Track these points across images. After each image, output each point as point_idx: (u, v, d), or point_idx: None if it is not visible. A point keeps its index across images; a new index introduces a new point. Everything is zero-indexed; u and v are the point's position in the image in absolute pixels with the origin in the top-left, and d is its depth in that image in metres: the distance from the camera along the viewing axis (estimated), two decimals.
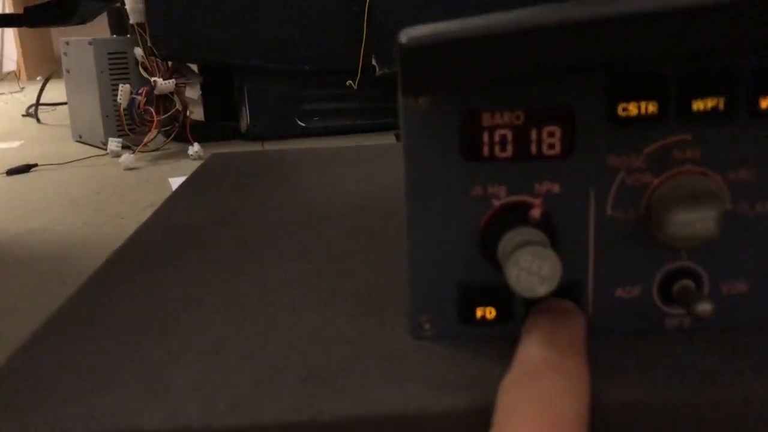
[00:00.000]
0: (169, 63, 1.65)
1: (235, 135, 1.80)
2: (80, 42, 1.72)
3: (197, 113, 1.81)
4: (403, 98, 0.28)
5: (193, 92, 1.68)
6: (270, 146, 1.65)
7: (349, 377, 0.28)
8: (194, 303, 0.36)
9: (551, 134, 0.28)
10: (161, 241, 0.47)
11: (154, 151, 1.68)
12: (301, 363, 0.29)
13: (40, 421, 0.26)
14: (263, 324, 0.33)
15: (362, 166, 0.68)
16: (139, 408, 0.27)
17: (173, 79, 1.61)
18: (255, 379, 0.28)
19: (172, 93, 1.62)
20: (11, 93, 3.26)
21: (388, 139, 1.65)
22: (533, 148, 0.28)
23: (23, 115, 2.46)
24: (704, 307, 0.27)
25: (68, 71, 1.81)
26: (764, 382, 0.27)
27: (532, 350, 0.26)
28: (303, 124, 1.75)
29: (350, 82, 1.68)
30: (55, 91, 2.31)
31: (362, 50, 1.64)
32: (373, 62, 1.64)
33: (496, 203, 0.29)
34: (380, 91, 1.67)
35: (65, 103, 1.94)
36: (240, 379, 0.29)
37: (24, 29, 4.06)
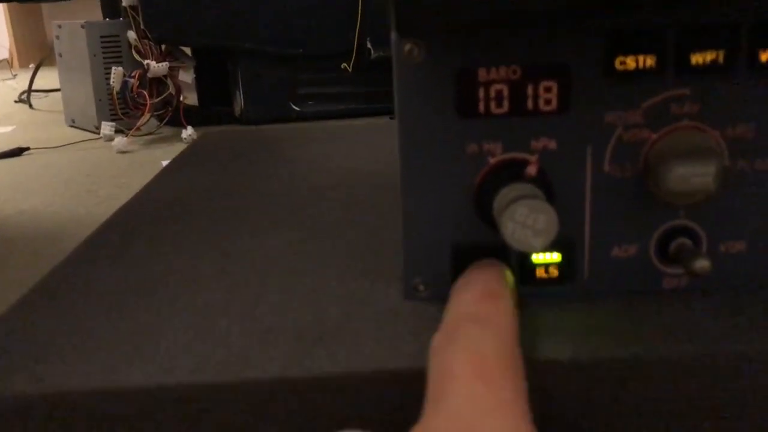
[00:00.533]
0: (163, 46, 1.63)
1: (229, 119, 1.79)
2: (72, 25, 1.70)
3: (191, 97, 1.79)
4: (397, 50, 0.27)
5: (186, 76, 1.67)
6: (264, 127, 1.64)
7: (342, 336, 0.28)
8: (185, 269, 0.36)
9: (548, 90, 0.28)
10: (152, 213, 0.46)
11: (147, 134, 1.66)
12: (293, 324, 0.29)
13: (27, 380, 0.26)
14: (255, 288, 0.33)
15: (354, 142, 0.67)
16: (128, 366, 0.26)
17: (166, 63, 1.60)
18: (246, 338, 0.28)
19: (165, 76, 1.61)
20: (4, 80, 3.23)
21: (385, 120, 1.64)
22: (529, 104, 0.28)
23: (15, 101, 2.44)
24: (702, 264, 0.27)
25: (60, 55, 1.80)
26: (761, 340, 0.26)
27: (452, 309, 0.26)
28: (297, 109, 1.73)
29: (345, 65, 1.67)
30: (48, 79, 2.29)
31: (357, 33, 1.63)
32: (368, 45, 1.63)
33: (492, 160, 0.29)
34: (376, 75, 1.66)
35: (58, 90, 1.93)
36: (231, 338, 0.28)
37: (15, 17, 4.03)
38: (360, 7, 1.61)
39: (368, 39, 1.62)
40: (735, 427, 0.26)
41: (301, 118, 1.73)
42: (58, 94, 1.98)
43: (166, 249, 0.39)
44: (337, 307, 0.30)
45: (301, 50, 1.68)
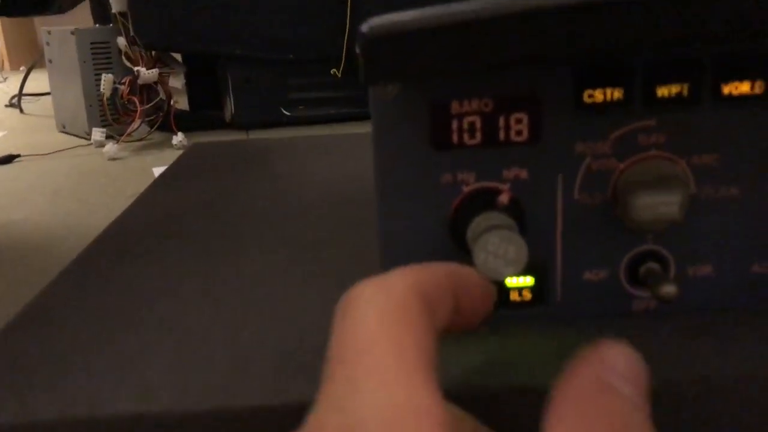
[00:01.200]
0: (153, 52, 1.64)
1: (220, 124, 1.79)
2: (62, 32, 1.71)
3: (182, 103, 1.80)
4: (371, 88, 0.28)
5: (177, 82, 1.68)
6: (255, 135, 1.65)
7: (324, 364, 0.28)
8: (171, 291, 0.36)
9: (519, 121, 0.29)
10: (140, 230, 0.47)
11: (138, 141, 1.67)
12: (275, 350, 0.30)
13: (13, 407, 0.26)
14: (239, 312, 0.34)
15: (342, 154, 0.68)
16: (112, 394, 0.27)
17: (156, 69, 1.61)
18: (229, 365, 0.29)
19: (155, 83, 1.62)
20: None
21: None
22: (501, 135, 0.29)
23: (6, 106, 2.44)
24: (668, 289, 0.28)
25: (51, 61, 1.80)
26: (725, 362, 0.27)
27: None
28: (288, 113, 1.74)
29: (335, 70, 1.68)
30: (39, 81, 2.29)
31: (346, 39, 1.64)
32: (357, 50, 1.64)
33: (466, 189, 0.29)
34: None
35: (49, 94, 1.93)
36: (214, 365, 0.29)
37: (6, 20, 4.02)
38: (349, 13, 1.62)
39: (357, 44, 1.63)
40: None
41: (292, 122, 1.74)
42: (48, 98, 1.98)
43: (154, 270, 0.39)
44: (320, 332, 0.31)
45: (291, 55, 1.69)
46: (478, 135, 0.29)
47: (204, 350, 0.30)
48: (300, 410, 0.26)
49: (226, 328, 0.32)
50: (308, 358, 0.29)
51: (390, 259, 0.31)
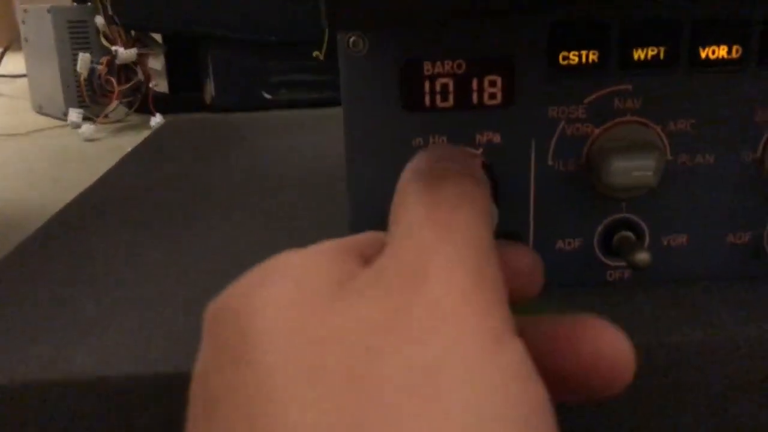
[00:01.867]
0: (132, 32, 1.61)
1: (200, 107, 1.77)
2: (39, 10, 1.67)
3: (161, 84, 1.77)
4: (340, 42, 0.27)
5: (156, 63, 1.65)
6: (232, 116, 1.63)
7: None
8: (136, 258, 0.35)
9: (492, 83, 0.28)
10: (107, 201, 0.46)
11: (115, 122, 1.64)
12: None
13: None
14: (205, 277, 0.33)
15: (318, 131, 0.67)
16: (71, 355, 0.26)
17: (135, 49, 1.58)
18: (192, 329, 0.28)
19: (134, 63, 1.59)
20: None
21: None
22: (474, 98, 0.28)
23: None
24: (642, 257, 0.27)
25: (27, 40, 1.77)
26: (697, 329, 0.27)
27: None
28: (269, 96, 1.72)
29: (317, 53, 1.66)
30: (16, 63, 2.25)
31: None
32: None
33: None
34: None
35: (25, 76, 1.89)
36: (176, 329, 0.28)
37: None
38: None
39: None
40: (675, 420, 0.27)
41: (273, 105, 1.72)
42: (25, 80, 1.95)
43: (119, 239, 0.38)
44: None
45: (273, 37, 1.67)
46: (451, 97, 0.28)
47: (167, 314, 0.29)
48: None
49: (190, 292, 0.31)
50: None
51: (358, 223, 0.30)
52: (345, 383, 0.14)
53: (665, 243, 0.30)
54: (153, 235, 0.39)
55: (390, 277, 0.16)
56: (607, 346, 0.18)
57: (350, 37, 0.27)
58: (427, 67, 0.28)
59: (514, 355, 0.15)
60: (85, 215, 0.43)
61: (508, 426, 0.13)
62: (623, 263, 0.30)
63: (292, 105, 1.73)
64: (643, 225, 0.30)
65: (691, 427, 0.27)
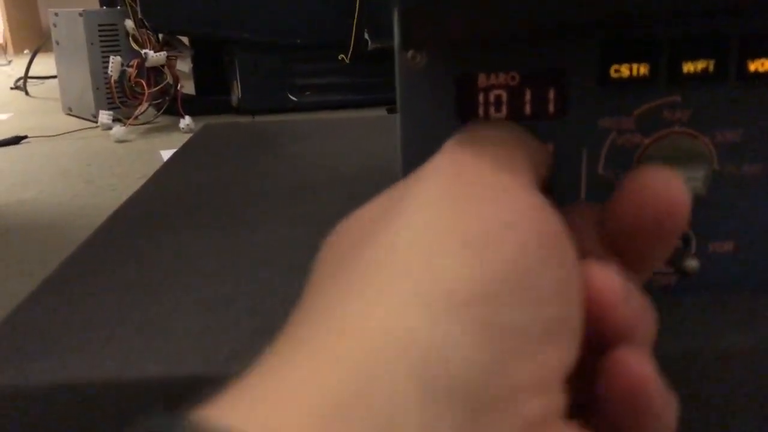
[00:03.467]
0: (160, 35, 1.63)
1: (227, 109, 1.79)
2: (70, 13, 1.70)
3: (188, 87, 1.80)
4: (400, 56, 0.28)
5: (184, 65, 1.67)
6: (261, 120, 1.65)
7: None
8: (190, 264, 0.37)
9: (545, 95, 0.29)
10: (155, 207, 0.47)
11: (145, 124, 1.67)
12: None
13: (43, 371, 0.27)
14: (260, 281, 0.34)
15: (352, 137, 0.68)
16: (140, 357, 0.27)
17: (164, 52, 1.60)
18: (254, 331, 0.29)
19: (163, 66, 1.61)
20: None
21: (380, 113, 1.65)
22: (527, 109, 0.29)
23: (11, 88, 2.44)
24: (691, 264, 0.28)
25: (57, 42, 1.80)
26: (744, 337, 0.28)
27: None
28: (295, 99, 1.74)
29: (342, 56, 1.67)
30: (44, 65, 2.29)
31: (354, 24, 1.63)
32: (366, 36, 1.64)
33: None
34: (373, 66, 1.67)
35: (54, 77, 1.93)
36: (239, 331, 0.29)
37: (10, 2, 4.00)
38: None
39: (366, 30, 1.63)
40: (724, 422, 0.27)
41: (298, 108, 1.74)
42: (54, 81, 1.98)
43: (171, 244, 0.40)
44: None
45: (298, 41, 1.69)
46: (504, 108, 0.29)
47: (228, 317, 0.30)
48: None
49: (248, 297, 0.32)
50: None
51: None
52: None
53: (712, 250, 0.31)
54: (204, 239, 0.40)
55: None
56: (660, 186, 0.21)
57: (409, 51, 0.28)
58: (482, 80, 0.29)
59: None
60: (136, 221, 0.45)
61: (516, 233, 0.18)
62: (670, 270, 0.31)
63: (316, 107, 1.74)
64: (691, 232, 0.30)
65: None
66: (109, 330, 0.30)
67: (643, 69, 0.29)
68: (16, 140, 1.54)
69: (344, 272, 0.18)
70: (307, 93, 1.75)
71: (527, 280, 0.17)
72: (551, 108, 0.29)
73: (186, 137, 1.47)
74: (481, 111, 0.29)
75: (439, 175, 0.20)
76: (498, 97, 0.29)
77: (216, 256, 0.37)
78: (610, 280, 0.19)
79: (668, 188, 0.21)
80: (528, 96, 0.29)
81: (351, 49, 1.66)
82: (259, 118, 1.69)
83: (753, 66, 0.28)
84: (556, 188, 0.30)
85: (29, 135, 1.58)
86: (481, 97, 0.29)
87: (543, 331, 0.17)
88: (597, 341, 0.19)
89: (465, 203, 0.19)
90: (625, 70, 0.29)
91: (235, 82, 1.74)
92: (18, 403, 0.26)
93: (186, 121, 1.59)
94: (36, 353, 0.28)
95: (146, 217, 0.45)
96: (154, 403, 0.27)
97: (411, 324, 0.15)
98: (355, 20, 1.62)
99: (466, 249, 0.17)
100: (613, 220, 0.22)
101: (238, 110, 1.76)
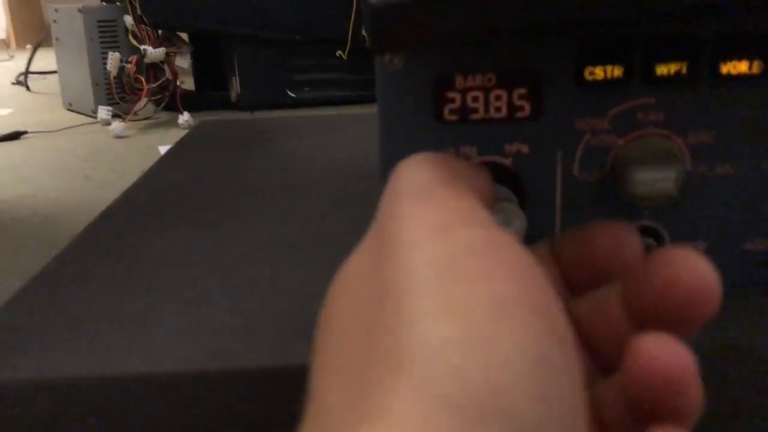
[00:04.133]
0: (159, 31, 1.64)
1: (226, 104, 1.80)
2: (69, 9, 1.71)
3: (187, 82, 1.80)
4: (377, 58, 0.29)
5: (183, 61, 1.68)
6: (260, 116, 1.65)
7: None
8: (178, 259, 0.37)
9: (521, 97, 0.29)
10: (147, 202, 0.48)
11: (144, 119, 1.67)
12: (280, 316, 0.31)
13: (28, 365, 0.27)
14: (245, 279, 0.34)
15: (346, 133, 0.69)
16: (123, 354, 0.28)
17: (163, 48, 1.61)
18: (236, 329, 0.30)
19: (162, 62, 1.62)
20: (1, 61, 3.23)
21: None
22: (504, 110, 0.30)
23: (13, 83, 2.44)
24: None
25: (57, 39, 1.80)
26: (715, 337, 0.28)
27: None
28: (293, 95, 1.74)
29: (340, 52, 1.68)
30: (46, 60, 2.29)
31: (352, 20, 1.63)
32: (364, 33, 1.64)
33: None
34: (371, 63, 1.67)
35: (55, 72, 1.93)
36: (221, 329, 0.30)
37: None
38: None
39: (363, 27, 1.63)
40: None
41: (297, 104, 1.74)
42: (55, 77, 1.99)
43: (160, 240, 0.40)
44: (324, 298, 0.32)
45: (297, 36, 1.69)
46: (481, 110, 0.30)
47: (211, 315, 0.31)
48: (301, 371, 0.27)
49: (231, 294, 0.33)
50: (310, 322, 0.30)
51: None
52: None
53: None
54: (192, 235, 0.41)
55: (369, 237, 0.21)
56: (683, 270, 0.18)
57: (386, 54, 0.29)
58: (459, 81, 0.29)
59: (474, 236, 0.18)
60: (127, 216, 0.45)
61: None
62: None
63: (315, 103, 1.75)
64: (664, 232, 0.31)
65: None
66: (92, 326, 0.30)
67: (617, 71, 0.29)
68: (15, 135, 1.55)
69: (353, 381, 0.16)
70: (306, 89, 1.75)
71: (538, 371, 0.16)
72: (527, 109, 0.29)
73: (184, 133, 1.48)
74: (458, 112, 0.30)
75: (414, 247, 0.18)
76: (475, 99, 0.29)
77: (202, 253, 0.38)
78: (685, 357, 0.17)
79: (693, 275, 0.18)
80: (504, 97, 0.29)
81: (349, 46, 1.66)
82: (257, 114, 1.70)
83: (725, 68, 0.29)
84: (528, 193, 0.30)
85: (29, 130, 1.58)
86: (458, 99, 0.29)
87: (560, 422, 0.16)
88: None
89: (453, 288, 0.17)
90: (599, 72, 0.29)
91: (233, 78, 1.75)
92: (2, 399, 0.27)
93: (185, 117, 1.59)
94: (20, 349, 0.29)
95: (136, 215, 0.45)
96: (136, 400, 0.27)
97: None
98: (352, 16, 1.63)
99: (473, 346, 0.15)
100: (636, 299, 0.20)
101: (237, 106, 1.77)
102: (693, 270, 0.18)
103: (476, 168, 0.23)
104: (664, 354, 0.17)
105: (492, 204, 0.22)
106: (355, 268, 0.20)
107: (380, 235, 0.20)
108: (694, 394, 0.17)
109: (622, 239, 0.21)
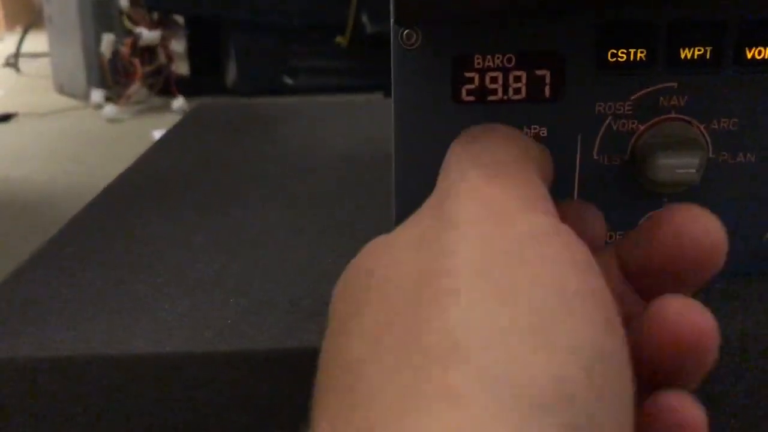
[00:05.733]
0: (155, 14, 1.62)
1: (221, 90, 1.78)
2: None
3: (182, 67, 1.78)
4: (395, 35, 0.28)
5: (178, 45, 1.66)
6: (255, 101, 1.64)
7: None
8: (180, 242, 0.36)
9: (541, 78, 0.29)
10: (147, 185, 0.47)
11: (137, 104, 1.66)
12: (286, 297, 0.30)
13: (30, 345, 0.27)
14: (250, 261, 0.34)
15: (347, 119, 0.68)
16: (126, 334, 0.27)
17: (159, 31, 1.59)
18: (241, 311, 0.29)
19: (157, 45, 1.60)
20: None
21: (376, 98, 1.64)
22: (523, 92, 0.29)
23: (3, 66, 2.41)
24: None
25: (50, 19, 1.78)
26: (738, 324, 0.28)
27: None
28: (290, 81, 1.73)
29: (339, 39, 1.66)
30: (37, 42, 2.26)
31: (353, 7, 1.62)
32: (364, 20, 1.63)
33: None
34: (370, 51, 1.66)
35: (47, 54, 1.91)
36: (226, 311, 0.29)
37: None
38: None
39: (364, 14, 1.62)
40: None
41: (294, 91, 1.73)
42: (46, 59, 1.96)
43: (162, 222, 0.39)
44: (330, 279, 0.31)
45: (296, 22, 1.68)
46: (500, 90, 0.29)
47: (217, 296, 0.30)
48: (309, 353, 0.26)
49: (237, 275, 0.32)
50: (317, 304, 0.29)
51: (403, 213, 0.31)
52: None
53: None
54: (196, 217, 0.40)
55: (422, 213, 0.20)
56: (692, 224, 0.20)
57: (404, 31, 0.28)
58: (478, 61, 0.28)
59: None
60: (126, 198, 0.44)
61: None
62: None
63: (312, 90, 1.74)
64: None
65: None
66: (96, 306, 0.29)
67: (640, 54, 0.28)
68: (5, 117, 1.53)
69: (400, 362, 0.15)
70: (303, 76, 1.74)
71: (600, 365, 0.15)
72: (547, 91, 0.29)
73: (178, 118, 1.46)
74: (476, 92, 0.29)
75: (473, 225, 0.18)
76: (494, 79, 0.29)
77: (206, 236, 0.37)
78: (709, 318, 0.18)
79: (701, 228, 0.20)
80: (524, 78, 0.29)
81: (349, 33, 1.65)
82: (253, 100, 1.68)
83: (750, 53, 0.28)
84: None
85: (19, 113, 1.57)
86: (476, 79, 0.29)
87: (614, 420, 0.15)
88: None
89: (512, 272, 0.16)
90: (622, 55, 0.28)
91: (230, 63, 1.73)
92: (4, 377, 0.26)
93: (179, 102, 1.58)
94: (22, 328, 0.28)
95: (135, 196, 0.44)
96: (141, 380, 0.26)
97: None
98: (353, 3, 1.61)
99: (534, 334, 0.15)
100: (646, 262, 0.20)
101: (232, 92, 1.75)
102: (698, 220, 0.20)
103: (542, 148, 0.23)
104: (692, 314, 0.18)
105: (551, 187, 0.22)
106: (404, 240, 0.19)
107: (437, 210, 0.19)
108: (712, 357, 0.18)
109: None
